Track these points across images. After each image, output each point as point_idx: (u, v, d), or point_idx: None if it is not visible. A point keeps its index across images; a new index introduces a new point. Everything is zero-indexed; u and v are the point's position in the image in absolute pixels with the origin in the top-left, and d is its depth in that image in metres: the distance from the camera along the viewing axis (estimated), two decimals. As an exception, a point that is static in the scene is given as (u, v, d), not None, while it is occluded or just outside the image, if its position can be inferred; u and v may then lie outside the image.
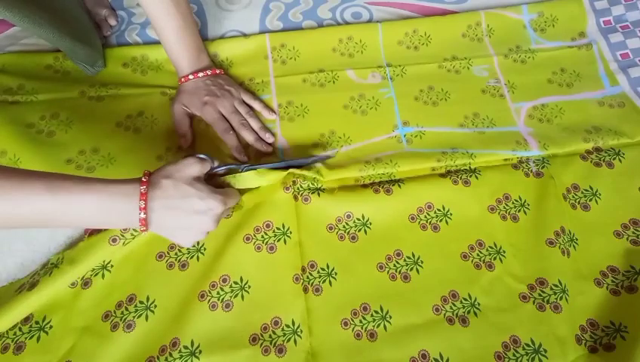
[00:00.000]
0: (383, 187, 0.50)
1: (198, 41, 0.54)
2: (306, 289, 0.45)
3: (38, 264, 0.45)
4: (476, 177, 0.51)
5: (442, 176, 0.51)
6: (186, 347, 0.41)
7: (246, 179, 0.46)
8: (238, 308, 0.44)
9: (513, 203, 0.50)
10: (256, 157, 0.52)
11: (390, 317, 0.44)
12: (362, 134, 0.54)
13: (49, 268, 0.43)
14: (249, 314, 0.44)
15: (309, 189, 0.49)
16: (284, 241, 0.47)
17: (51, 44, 0.57)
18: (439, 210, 0.49)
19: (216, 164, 0.45)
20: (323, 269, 0.46)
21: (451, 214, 0.49)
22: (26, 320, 0.42)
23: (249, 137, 0.52)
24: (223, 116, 0.52)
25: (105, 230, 0.45)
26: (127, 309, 0.43)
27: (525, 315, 0.44)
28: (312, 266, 0.46)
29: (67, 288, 0.43)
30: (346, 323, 0.44)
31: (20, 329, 0.41)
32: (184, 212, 0.39)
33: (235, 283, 0.45)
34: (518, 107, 0.57)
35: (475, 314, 0.44)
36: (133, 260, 0.45)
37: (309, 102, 0.56)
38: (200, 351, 0.41)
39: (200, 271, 0.45)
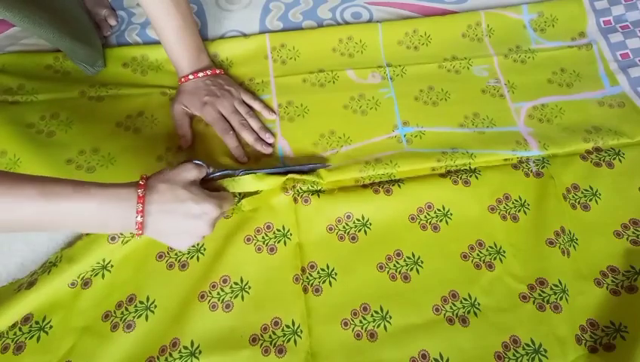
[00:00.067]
0: (382, 187, 0.50)
1: (198, 41, 0.54)
2: (305, 290, 0.45)
3: (38, 264, 0.45)
4: (476, 177, 0.51)
5: (442, 176, 0.51)
6: (185, 347, 0.41)
7: (245, 182, 0.46)
8: (238, 308, 0.44)
9: (513, 203, 0.50)
10: (256, 157, 0.53)
11: (390, 318, 0.44)
12: (362, 134, 0.54)
13: (47, 266, 0.43)
14: (249, 314, 0.44)
15: (309, 191, 0.49)
16: (285, 243, 0.47)
17: (51, 44, 0.57)
18: (439, 210, 0.49)
19: (211, 169, 0.45)
20: (323, 270, 0.46)
21: (451, 214, 0.49)
22: (26, 320, 0.42)
23: (249, 137, 0.52)
24: (223, 116, 0.52)
25: (104, 229, 0.45)
26: (127, 309, 0.43)
27: (525, 315, 0.44)
28: (312, 267, 0.46)
29: (67, 288, 0.43)
30: (346, 324, 0.44)
31: (20, 329, 0.41)
32: (180, 216, 0.39)
33: (236, 283, 0.45)
34: (518, 107, 0.57)
35: (475, 314, 0.44)
36: (133, 260, 0.45)
37: (309, 102, 0.56)
38: (200, 352, 0.41)
39: (200, 271, 0.45)
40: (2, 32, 0.59)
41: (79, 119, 0.52)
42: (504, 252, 0.47)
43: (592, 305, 0.45)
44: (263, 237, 0.47)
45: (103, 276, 0.44)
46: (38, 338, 0.41)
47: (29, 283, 0.42)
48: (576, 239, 0.48)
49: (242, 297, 0.44)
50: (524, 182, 0.51)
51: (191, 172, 0.41)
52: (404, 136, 0.54)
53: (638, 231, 0.48)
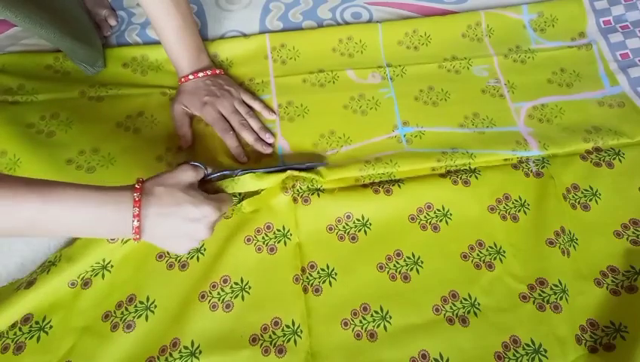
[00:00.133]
0: (382, 187, 0.50)
1: (198, 41, 0.54)
2: (305, 290, 0.45)
3: (37, 264, 0.45)
4: (476, 177, 0.51)
5: (442, 176, 0.51)
6: (186, 347, 0.41)
7: (245, 182, 0.46)
8: (239, 308, 0.44)
9: (513, 203, 0.50)
10: (256, 157, 0.53)
11: (390, 318, 0.44)
12: (362, 134, 0.54)
13: (47, 266, 0.43)
14: (249, 314, 0.44)
15: (309, 190, 0.49)
16: (285, 243, 0.47)
17: (52, 44, 0.57)
18: (439, 210, 0.49)
19: (209, 170, 0.45)
20: (323, 270, 0.46)
21: (451, 214, 0.49)
22: (26, 320, 0.42)
23: (249, 137, 0.52)
24: (223, 116, 0.52)
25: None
26: (127, 309, 0.43)
27: (525, 315, 0.44)
28: (312, 267, 0.46)
29: (67, 288, 0.43)
30: (346, 324, 0.44)
31: (20, 329, 0.41)
32: (179, 219, 0.38)
33: (236, 283, 0.45)
34: (518, 107, 0.57)
35: (475, 314, 0.44)
36: (133, 260, 0.45)
37: (309, 102, 0.56)
38: (200, 352, 0.41)
39: (200, 271, 0.45)
40: (3, 32, 0.59)
41: (79, 119, 0.52)
42: (504, 252, 0.47)
43: (592, 305, 0.44)
44: (263, 238, 0.47)
45: (102, 276, 0.44)
46: (38, 339, 0.41)
47: (29, 282, 0.42)
48: (576, 239, 0.48)
49: (242, 297, 0.44)
50: (524, 182, 0.51)
51: (189, 174, 0.41)
52: (404, 136, 0.54)
53: (638, 231, 0.48)
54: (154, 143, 0.52)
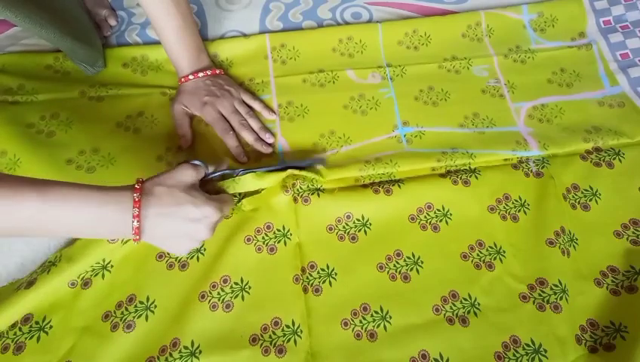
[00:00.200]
0: (382, 187, 0.50)
1: (198, 41, 0.54)
2: (305, 290, 0.45)
3: (37, 264, 0.45)
4: (476, 177, 0.51)
5: (442, 176, 0.51)
6: (186, 347, 0.41)
7: (246, 182, 0.46)
8: (239, 308, 0.44)
9: (513, 203, 0.50)
10: (256, 157, 0.52)
11: (390, 318, 0.44)
12: (362, 134, 0.54)
13: (47, 266, 0.43)
14: (249, 314, 0.44)
15: (309, 190, 0.49)
16: (285, 243, 0.47)
17: (52, 44, 0.57)
18: (439, 210, 0.49)
19: (210, 169, 0.45)
20: (323, 270, 0.46)
21: (451, 214, 0.49)
22: (26, 320, 0.42)
23: (249, 137, 0.52)
24: (223, 116, 0.52)
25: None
26: (127, 309, 0.43)
27: (525, 315, 0.44)
28: (312, 267, 0.46)
29: (67, 288, 0.43)
30: (346, 324, 0.44)
31: (20, 329, 0.41)
32: (179, 219, 0.38)
33: (236, 283, 0.45)
34: (518, 107, 0.57)
35: (475, 314, 0.44)
36: (133, 260, 0.45)
37: (309, 102, 0.56)
38: (200, 352, 0.41)
39: (200, 271, 0.45)
40: (3, 32, 0.59)
41: (79, 119, 0.52)
42: (504, 252, 0.47)
43: (592, 305, 0.44)
44: (263, 238, 0.47)
45: (102, 276, 0.44)
46: (38, 339, 0.41)
47: (29, 282, 0.42)
48: (576, 239, 0.48)
49: (242, 297, 0.44)
50: (524, 182, 0.51)
51: (189, 174, 0.41)
52: (404, 136, 0.54)
53: (638, 231, 0.48)
54: (154, 143, 0.52)
